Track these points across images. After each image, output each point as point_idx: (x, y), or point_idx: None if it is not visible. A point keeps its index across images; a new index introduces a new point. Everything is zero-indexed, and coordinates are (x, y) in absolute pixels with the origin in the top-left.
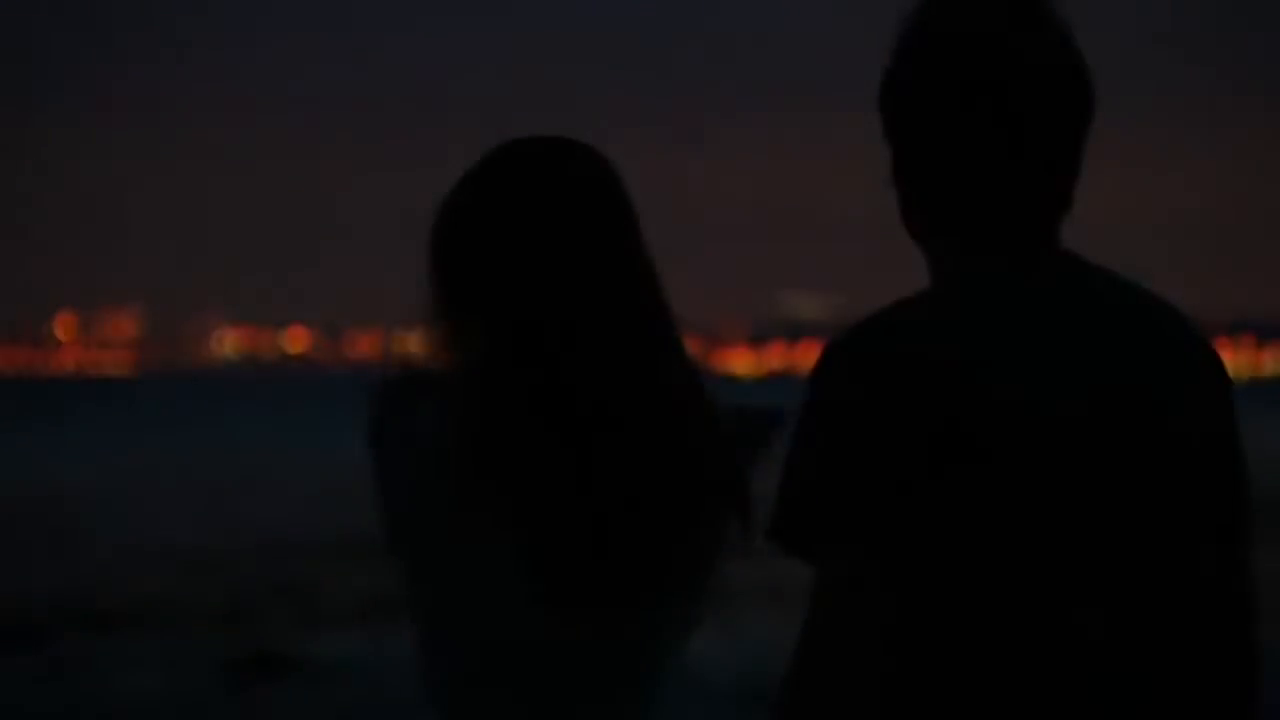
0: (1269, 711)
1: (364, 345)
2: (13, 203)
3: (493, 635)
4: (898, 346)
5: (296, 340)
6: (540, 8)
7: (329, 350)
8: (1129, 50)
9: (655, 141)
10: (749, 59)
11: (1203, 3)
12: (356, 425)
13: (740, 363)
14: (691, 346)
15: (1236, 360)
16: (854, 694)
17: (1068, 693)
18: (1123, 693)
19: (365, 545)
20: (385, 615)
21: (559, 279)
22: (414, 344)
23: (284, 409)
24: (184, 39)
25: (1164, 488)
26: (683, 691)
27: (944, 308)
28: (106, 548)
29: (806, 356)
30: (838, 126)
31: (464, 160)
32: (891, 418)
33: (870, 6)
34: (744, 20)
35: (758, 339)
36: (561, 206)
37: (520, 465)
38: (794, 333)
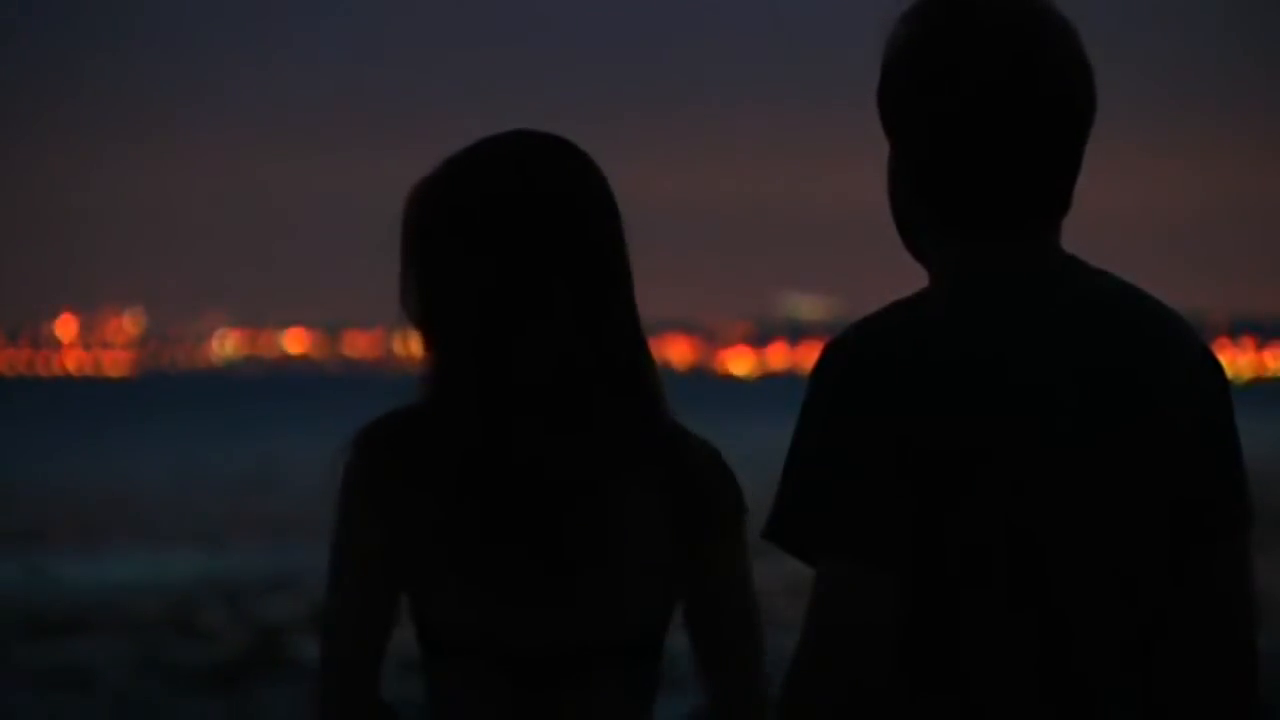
0: (1269, 712)
1: (364, 345)
2: (14, 204)
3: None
4: (894, 348)
5: (296, 341)
6: (557, 14)
7: (329, 350)
8: (1133, 49)
9: (657, 142)
10: (749, 58)
11: (1212, 5)
12: (355, 424)
13: (741, 364)
14: (692, 347)
15: (1237, 360)
16: (852, 694)
17: (1067, 697)
18: (1122, 694)
19: None
20: None
21: (524, 277)
22: (414, 344)
23: (284, 408)
24: (186, 41)
25: (1161, 487)
26: (681, 691)
27: (942, 309)
28: (101, 545)
29: (807, 357)
30: (842, 126)
31: (451, 152)
32: (887, 420)
33: (874, 6)
34: (744, 20)
35: (759, 340)
36: (532, 204)
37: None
38: (795, 334)
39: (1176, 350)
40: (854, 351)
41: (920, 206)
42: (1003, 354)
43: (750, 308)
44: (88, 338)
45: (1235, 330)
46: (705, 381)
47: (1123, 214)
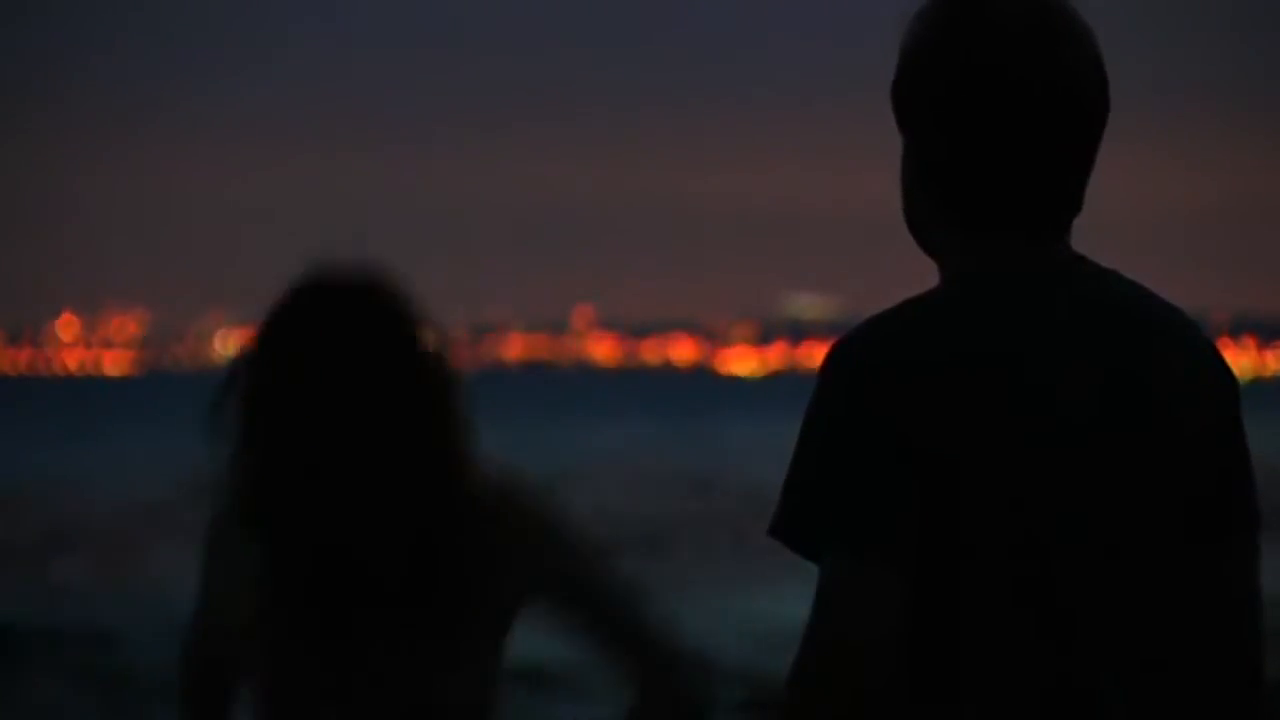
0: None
1: None
2: (14, 203)
3: None
4: (903, 347)
5: None
6: (556, 13)
7: None
8: (1139, 48)
9: (659, 141)
10: (748, 58)
11: (1218, 3)
12: None
13: (743, 363)
14: (695, 347)
15: (1239, 360)
16: (855, 694)
17: (1072, 699)
18: (1128, 695)
19: None
20: None
21: (340, 420)
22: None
23: None
24: (185, 41)
25: (1170, 487)
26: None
27: (951, 308)
28: (97, 542)
29: (809, 357)
30: (845, 125)
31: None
32: (894, 418)
33: (879, 6)
34: (743, 19)
35: (761, 340)
36: (345, 354)
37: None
38: (797, 334)
39: (1185, 351)
40: (863, 350)
41: (931, 205)
42: (1012, 354)
43: (753, 308)
44: (89, 337)
45: (1237, 329)
46: (708, 381)
47: (1125, 211)
